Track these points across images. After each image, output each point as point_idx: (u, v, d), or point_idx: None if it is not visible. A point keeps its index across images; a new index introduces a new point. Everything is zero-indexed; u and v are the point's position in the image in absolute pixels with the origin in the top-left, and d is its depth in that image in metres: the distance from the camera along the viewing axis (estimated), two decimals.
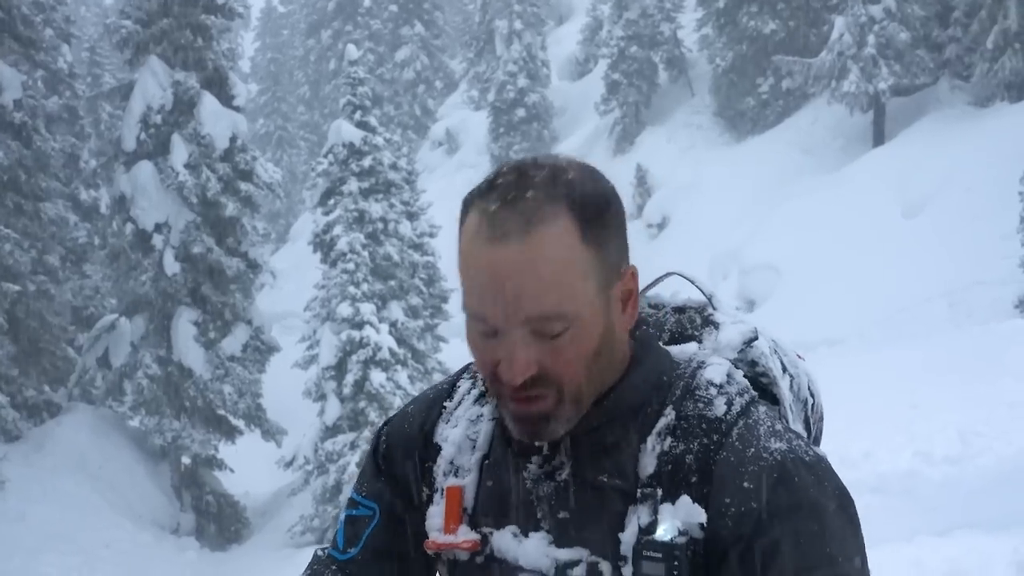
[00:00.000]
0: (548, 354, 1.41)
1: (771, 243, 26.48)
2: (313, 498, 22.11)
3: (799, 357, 1.72)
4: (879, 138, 30.21)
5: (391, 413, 1.85)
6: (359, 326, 21.99)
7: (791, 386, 1.65)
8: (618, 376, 1.50)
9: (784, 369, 1.65)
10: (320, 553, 1.77)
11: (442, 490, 1.62)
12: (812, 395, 1.71)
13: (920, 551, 7.54)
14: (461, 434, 1.64)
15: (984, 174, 22.98)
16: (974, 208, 22.45)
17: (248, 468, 25.06)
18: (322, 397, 22.63)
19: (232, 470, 24.16)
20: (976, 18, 27.89)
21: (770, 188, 30.35)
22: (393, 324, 23.24)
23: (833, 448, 1.81)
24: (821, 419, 1.76)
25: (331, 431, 22.27)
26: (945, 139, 25.90)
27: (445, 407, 1.70)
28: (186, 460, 23.68)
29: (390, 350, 22.09)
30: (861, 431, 10.25)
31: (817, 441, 1.75)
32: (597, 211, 1.41)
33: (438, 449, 1.66)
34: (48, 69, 26.17)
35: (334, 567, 1.73)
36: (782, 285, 25.09)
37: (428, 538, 1.61)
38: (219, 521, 23.56)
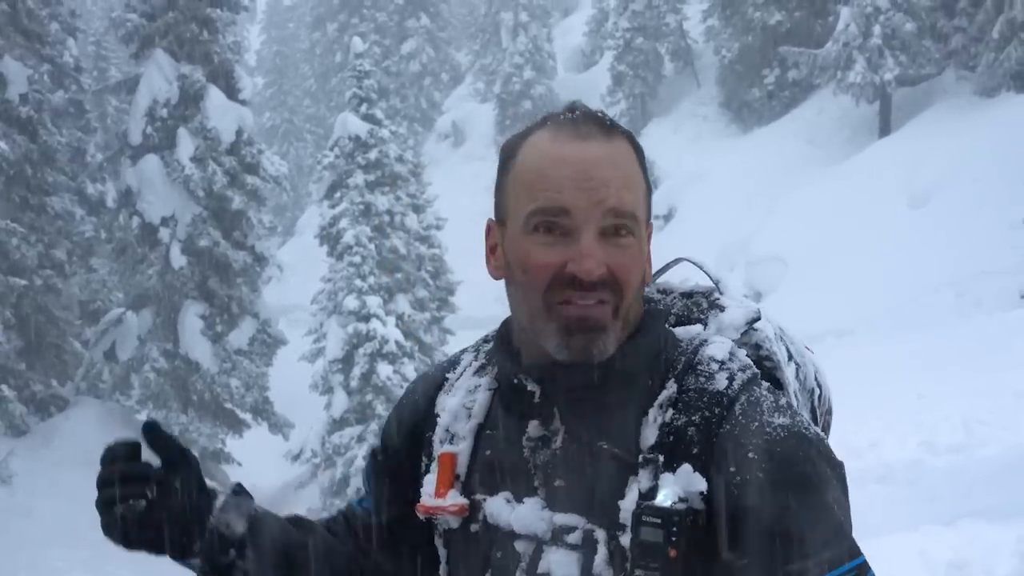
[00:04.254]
0: (614, 256, 1.47)
1: (778, 234, 26.46)
2: (321, 491, 22.16)
3: (807, 349, 1.73)
4: (885, 129, 30.17)
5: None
6: (366, 319, 22.02)
7: (797, 374, 1.67)
8: (629, 335, 1.53)
9: (790, 357, 1.67)
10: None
11: (437, 457, 1.65)
12: (819, 386, 1.72)
13: (925, 540, 7.54)
14: (458, 403, 1.68)
15: (990, 164, 22.93)
16: (981, 198, 22.41)
17: (255, 461, 25.09)
18: (329, 390, 22.67)
19: (239, 463, 24.20)
20: (982, 8, 27.84)
21: (776, 179, 30.32)
22: (400, 317, 23.27)
23: (839, 438, 1.82)
24: (829, 412, 1.77)
25: (338, 424, 22.32)
26: (951, 129, 25.85)
27: (447, 378, 1.74)
28: (194, 453, 23.68)
29: (397, 343, 22.12)
30: (867, 421, 10.27)
31: (825, 433, 1.73)
32: (643, 155, 1.56)
33: (437, 418, 1.70)
34: (54, 63, 26.12)
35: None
36: (789, 276, 25.06)
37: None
38: None
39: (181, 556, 1.60)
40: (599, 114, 1.53)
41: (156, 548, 1.58)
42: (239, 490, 1.67)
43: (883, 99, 30.21)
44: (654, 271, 1.72)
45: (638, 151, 1.53)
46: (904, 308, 20.84)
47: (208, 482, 1.65)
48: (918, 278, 21.54)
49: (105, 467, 1.58)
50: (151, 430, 1.61)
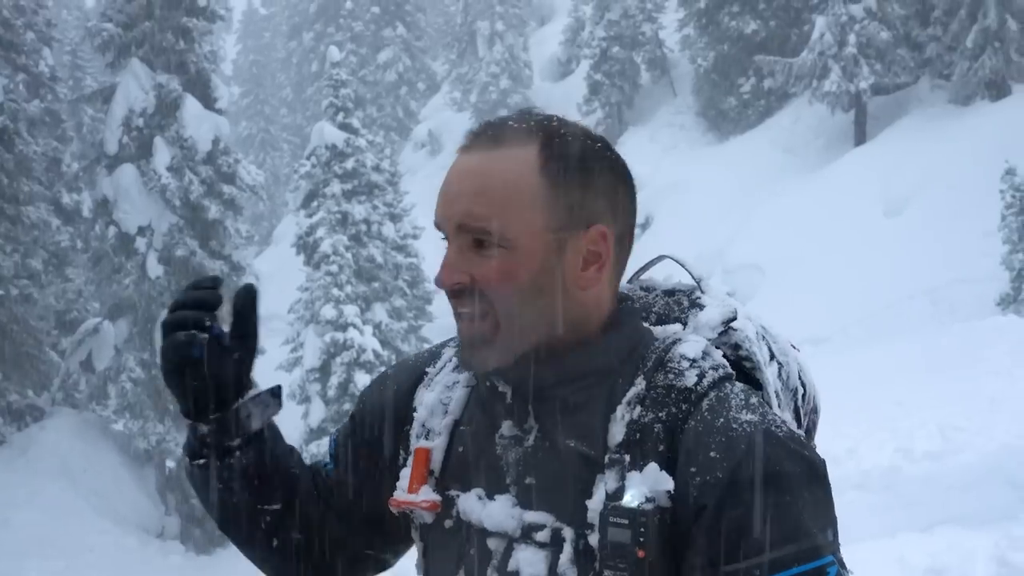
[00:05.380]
0: (476, 267, 1.47)
1: (754, 242, 26.54)
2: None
3: (793, 347, 1.70)
4: (860, 137, 30.31)
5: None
6: (343, 328, 21.98)
7: (780, 374, 1.63)
8: (587, 337, 1.52)
9: (772, 356, 1.64)
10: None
11: (413, 452, 1.65)
12: (803, 385, 1.68)
13: (903, 547, 7.57)
14: (435, 398, 1.68)
15: (965, 172, 23.07)
16: (955, 206, 22.55)
17: None
18: (306, 399, 22.62)
19: None
20: (956, 17, 28.02)
21: (753, 187, 30.41)
22: (377, 326, 23.25)
23: (816, 445, 1.82)
24: (815, 411, 1.73)
25: (316, 433, 22.25)
26: (926, 138, 25.99)
27: (427, 372, 1.74)
28: (171, 463, 23.59)
29: (374, 352, 22.09)
30: (844, 428, 10.29)
31: (810, 434, 1.71)
32: (570, 156, 1.48)
33: (414, 412, 1.69)
34: (30, 72, 26.05)
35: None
36: (766, 284, 25.14)
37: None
38: (204, 525, 23.46)
39: (195, 416, 1.63)
40: (509, 122, 1.51)
41: (182, 393, 1.62)
42: (276, 393, 1.72)
43: (858, 108, 30.37)
44: (635, 271, 1.73)
45: (551, 156, 1.47)
46: (880, 316, 20.95)
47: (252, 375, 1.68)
48: (894, 286, 21.65)
49: (187, 291, 1.63)
50: (249, 295, 1.64)
